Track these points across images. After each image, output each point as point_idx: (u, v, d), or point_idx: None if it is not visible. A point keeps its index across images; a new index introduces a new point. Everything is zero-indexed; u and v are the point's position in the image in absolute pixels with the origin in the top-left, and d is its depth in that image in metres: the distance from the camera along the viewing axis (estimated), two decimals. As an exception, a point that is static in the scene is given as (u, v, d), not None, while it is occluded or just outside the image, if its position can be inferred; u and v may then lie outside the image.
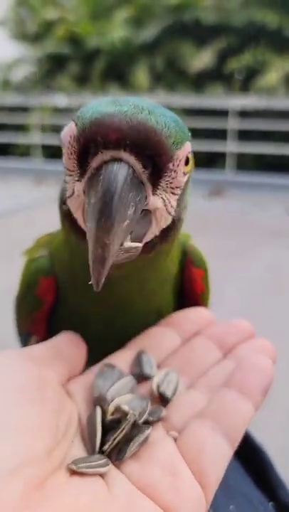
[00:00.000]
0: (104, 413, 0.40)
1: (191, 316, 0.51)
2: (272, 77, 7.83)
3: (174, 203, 0.40)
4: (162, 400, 0.43)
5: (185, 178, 0.40)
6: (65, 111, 9.32)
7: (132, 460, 0.36)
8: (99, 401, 0.41)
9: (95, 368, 0.45)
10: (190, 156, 0.40)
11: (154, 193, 0.37)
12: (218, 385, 0.42)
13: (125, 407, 0.38)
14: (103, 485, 0.34)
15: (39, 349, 0.44)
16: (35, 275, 0.49)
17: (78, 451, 0.37)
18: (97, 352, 0.47)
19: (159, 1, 8.89)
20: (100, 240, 0.33)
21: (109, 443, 0.36)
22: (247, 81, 8.23)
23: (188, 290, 0.54)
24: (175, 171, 0.38)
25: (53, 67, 9.79)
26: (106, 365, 0.45)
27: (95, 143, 0.34)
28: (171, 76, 8.85)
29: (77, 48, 9.42)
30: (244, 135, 7.77)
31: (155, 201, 0.37)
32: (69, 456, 0.36)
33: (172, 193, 0.39)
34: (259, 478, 0.59)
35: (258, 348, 0.45)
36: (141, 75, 8.70)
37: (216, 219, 5.12)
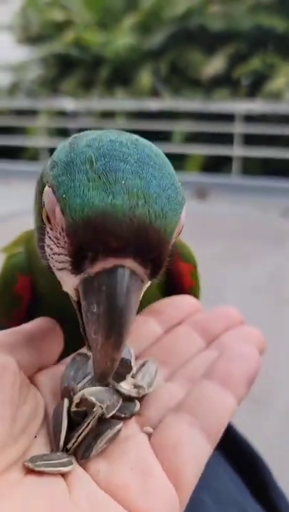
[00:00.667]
0: (71, 406, 0.37)
1: (175, 303, 0.48)
2: (280, 81, 7.83)
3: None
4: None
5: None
6: (72, 114, 9.38)
7: (100, 458, 0.33)
8: (67, 392, 0.37)
9: (68, 359, 0.42)
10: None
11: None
12: (199, 377, 0.39)
13: (91, 399, 0.35)
14: (63, 486, 0.31)
15: (4, 334, 0.41)
16: (13, 272, 0.48)
17: (41, 447, 0.34)
18: (76, 346, 0.44)
19: (165, 8, 8.93)
20: (109, 355, 0.32)
21: (74, 439, 0.33)
22: (254, 86, 8.24)
23: (177, 286, 0.52)
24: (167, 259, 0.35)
25: (59, 70, 9.85)
26: (79, 355, 0.41)
27: (92, 247, 0.31)
28: (178, 82, 8.88)
29: (84, 53, 9.47)
30: (250, 139, 7.76)
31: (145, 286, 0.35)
32: (29, 453, 0.33)
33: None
34: (255, 487, 0.57)
35: (244, 336, 0.42)
36: (145, 79, 8.74)
37: (219, 223, 5.11)
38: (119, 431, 0.34)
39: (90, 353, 0.39)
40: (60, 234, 0.33)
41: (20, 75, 10.26)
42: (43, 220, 0.36)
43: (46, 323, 0.44)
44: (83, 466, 0.33)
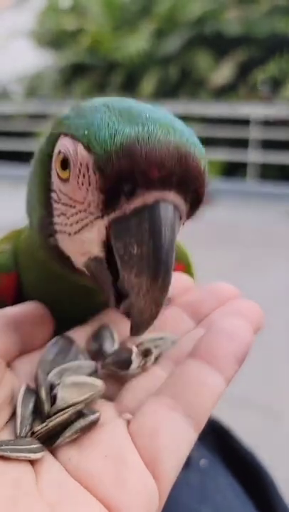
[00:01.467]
0: (44, 393, 0.34)
1: None
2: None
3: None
4: (116, 378, 0.37)
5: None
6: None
7: (72, 446, 0.31)
8: (41, 379, 0.35)
9: (50, 342, 0.39)
10: None
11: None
12: (183, 357, 0.35)
13: (68, 401, 0.33)
14: (30, 473, 0.29)
15: None
16: None
17: (11, 434, 0.32)
18: None
19: (181, 13, 8.96)
20: (155, 299, 0.29)
21: (43, 425, 0.31)
22: (271, 91, 8.20)
23: None
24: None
25: (74, 75, 9.95)
26: (62, 338, 0.39)
27: (130, 180, 0.28)
28: (191, 86, 8.89)
29: (99, 58, 9.54)
30: (267, 145, 7.71)
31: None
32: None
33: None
34: (259, 501, 0.55)
35: (236, 310, 0.38)
36: (149, 84, 8.76)
37: (237, 231, 5.06)
38: (93, 422, 0.31)
39: (74, 337, 0.39)
40: (83, 177, 0.30)
41: (35, 80, 10.40)
42: (47, 189, 0.34)
43: (34, 308, 0.41)
44: (54, 452, 0.31)
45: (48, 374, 0.36)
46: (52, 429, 0.31)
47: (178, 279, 0.44)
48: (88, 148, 0.29)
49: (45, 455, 0.30)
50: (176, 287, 0.42)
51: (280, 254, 4.39)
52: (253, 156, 7.72)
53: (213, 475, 0.54)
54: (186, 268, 0.49)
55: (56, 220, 0.34)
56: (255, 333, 0.35)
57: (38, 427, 0.31)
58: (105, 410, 0.33)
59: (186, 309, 0.42)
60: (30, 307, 0.42)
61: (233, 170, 7.93)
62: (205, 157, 0.31)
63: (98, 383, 0.34)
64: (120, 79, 9.31)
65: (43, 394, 0.34)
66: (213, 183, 6.95)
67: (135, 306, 0.30)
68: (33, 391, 0.35)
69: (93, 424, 0.31)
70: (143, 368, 0.37)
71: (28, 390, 0.35)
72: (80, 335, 0.41)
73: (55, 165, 0.33)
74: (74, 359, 0.38)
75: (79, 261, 0.34)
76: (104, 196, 0.29)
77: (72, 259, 0.35)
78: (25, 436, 0.31)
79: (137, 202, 0.29)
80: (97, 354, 0.39)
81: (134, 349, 0.38)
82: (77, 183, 0.31)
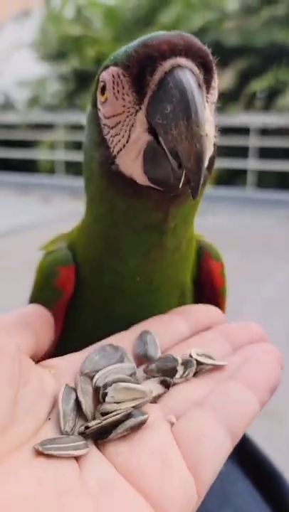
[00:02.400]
0: (96, 394, 0.36)
1: (202, 309, 0.48)
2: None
3: (213, 126, 0.39)
4: (163, 384, 0.39)
5: (216, 97, 0.41)
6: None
7: (121, 441, 0.32)
8: (88, 378, 0.37)
9: (91, 348, 0.41)
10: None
11: (206, 102, 0.38)
12: (222, 377, 0.39)
13: (123, 404, 0.34)
14: (74, 469, 0.30)
15: (2, 318, 0.42)
16: (54, 266, 0.48)
17: (54, 430, 0.33)
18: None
19: (182, 24, 9.06)
20: (196, 134, 0.33)
21: (98, 421, 0.33)
22: (268, 100, 8.27)
23: (206, 283, 0.52)
24: (214, 87, 0.39)
25: (77, 85, 10.02)
26: (110, 346, 0.40)
27: (149, 60, 0.34)
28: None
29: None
30: (265, 153, 7.79)
31: (207, 113, 0.37)
32: (41, 435, 0.32)
33: (211, 111, 0.40)
34: (276, 505, 0.56)
35: (266, 350, 0.42)
36: None
37: (237, 236, 5.11)
38: (142, 422, 0.33)
39: (118, 343, 0.40)
40: (117, 85, 0.37)
41: (39, 90, 10.45)
42: (99, 129, 0.40)
43: (39, 310, 0.45)
44: (102, 448, 0.32)
45: (93, 375, 0.37)
46: (105, 426, 0.32)
47: (213, 310, 0.48)
48: (116, 64, 0.37)
49: (91, 451, 0.32)
50: (212, 315, 0.47)
51: (279, 257, 4.46)
52: (252, 164, 7.81)
53: (232, 480, 0.56)
54: (223, 268, 0.53)
55: (111, 146, 0.39)
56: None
57: (93, 423, 0.33)
58: (151, 412, 0.35)
59: (222, 335, 0.45)
60: (36, 309, 0.45)
61: (232, 178, 8.00)
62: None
63: (148, 390, 0.35)
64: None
65: (90, 393, 0.36)
66: (214, 191, 7.03)
67: (183, 153, 0.33)
68: (72, 389, 0.36)
69: (142, 424, 0.33)
70: (186, 379, 0.39)
71: (68, 387, 0.36)
72: (124, 339, 0.42)
73: (98, 96, 0.39)
74: (118, 362, 0.38)
75: (139, 168, 0.37)
76: (135, 88, 0.36)
77: (135, 176, 0.38)
78: (70, 433, 0.33)
79: (158, 74, 0.34)
80: (141, 358, 0.41)
81: (180, 359, 0.40)
82: (114, 95, 0.37)
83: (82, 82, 9.84)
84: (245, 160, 7.77)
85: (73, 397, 0.35)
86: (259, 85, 8.09)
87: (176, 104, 0.33)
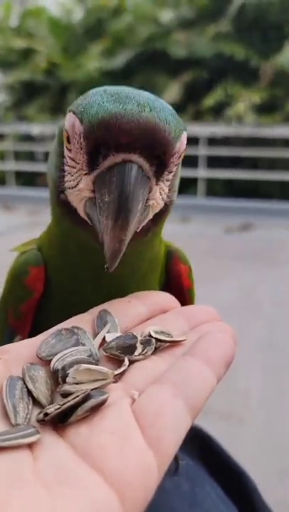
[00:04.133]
0: (55, 377, 0.36)
1: (159, 294, 0.49)
2: (240, 107, 8.14)
3: (167, 190, 0.43)
4: (123, 362, 0.39)
5: (178, 166, 0.43)
6: (39, 138, 9.42)
7: (81, 424, 0.32)
8: (40, 364, 0.37)
9: (48, 332, 0.41)
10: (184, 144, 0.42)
11: (156, 185, 0.40)
12: (179, 353, 0.40)
13: (83, 386, 0.34)
14: (28, 459, 0.29)
15: None
16: (25, 265, 0.50)
17: (4, 425, 0.32)
18: None
19: (129, 35, 9.19)
20: (117, 236, 0.36)
21: (57, 407, 0.32)
22: (217, 111, 8.53)
23: (176, 286, 0.55)
24: (173, 163, 0.41)
25: (25, 96, 9.92)
26: (66, 329, 0.40)
27: (105, 145, 0.37)
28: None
29: (52, 78, 9.59)
30: (214, 161, 8.00)
31: (156, 193, 0.41)
32: None
33: (166, 181, 0.43)
34: (243, 505, 0.57)
35: (221, 327, 0.44)
36: None
37: (188, 244, 5.21)
38: (102, 402, 0.33)
39: (77, 330, 0.40)
40: (77, 143, 0.39)
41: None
42: (62, 157, 0.43)
43: None
44: (63, 432, 0.32)
45: (50, 359, 0.37)
46: (64, 410, 0.32)
47: (168, 297, 0.49)
48: (81, 121, 0.38)
49: (48, 438, 0.31)
50: (168, 300, 0.49)
51: (226, 264, 4.58)
52: (202, 173, 8.00)
53: (201, 482, 0.56)
54: (190, 271, 0.56)
55: (66, 179, 0.43)
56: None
57: (52, 409, 0.32)
58: (112, 391, 0.35)
59: (180, 315, 0.46)
60: None
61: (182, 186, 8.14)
62: (180, 130, 0.39)
63: (109, 372, 0.36)
64: (75, 98, 9.31)
65: (41, 379, 0.35)
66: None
67: (105, 243, 0.37)
68: (18, 378, 0.35)
69: (102, 403, 0.33)
70: (145, 356, 0.40)
71: (13, 378, 0.35)
72: (83, 319, 0.43)
73: (64, 140, 0.42)
74: (75, 346, 0.38)
75: (80, 208, 0.42)
76: (89, 158, 0.39)
77: (77, 208, 0.42)
78: (23, 424, 0.32)
79: (109, 161, 0.37)
80: (100, 337, 0.41)
81: (139, 337, 0.41)
82: (75, 147, 0.40)
83: (30, 92, 9.76)
84: (195, 169, 7.93)
85: (20, 386, 0.34)
86: (208, 100, 8.31)
87: (112, 201, 0.36)
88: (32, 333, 0.48)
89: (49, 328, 0.47)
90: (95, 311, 0.44)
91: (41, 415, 0.32)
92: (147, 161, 0.37)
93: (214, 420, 2.14)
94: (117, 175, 0.37)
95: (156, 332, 0.41)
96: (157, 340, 0.41)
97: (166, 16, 9.16)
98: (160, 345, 0.41)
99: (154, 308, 0.46)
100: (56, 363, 0.36)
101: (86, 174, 0.40)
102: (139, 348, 0.40)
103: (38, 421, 0.32)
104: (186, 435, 0.60)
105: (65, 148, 0.42)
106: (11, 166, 9.32)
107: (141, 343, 0.40)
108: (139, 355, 0.39)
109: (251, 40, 8.68)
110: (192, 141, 7.75)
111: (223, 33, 8.66)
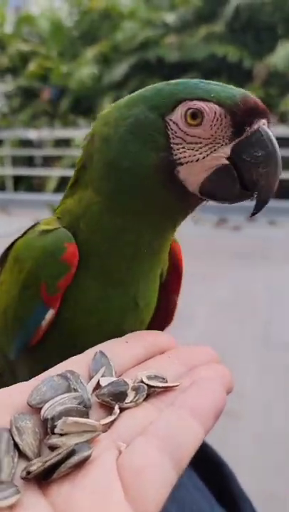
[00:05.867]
0: (44, 426, 0.35)
1: (156, 334, 0.50)
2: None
3: None
4: (107, 408, 0.39)
5: None
6: (36, 143, 9.47)
7: (63, 481, 0.32)
8: (28, 413, 0.36)
9: (39, 377, 0.41)
10: None
11: None
12: (171, 400, 0.39)
13: (66, 442, 0.34)
14: None
15: None
16: (60, 242, 0.51)
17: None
18: (117, 308, 0.53)
19: (125, 41, 9.24)
20: (277, 177, 0.47)
21: (39, 465, 0.32)
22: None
23: (174, 264, 0.61)
24: None
25: (23, 101, 9.98)
26: (58, 376, 0.40)
27: (252, 114, 0.46)
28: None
29: (48, 83, 9.66)
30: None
31: None
32: None
33: None
34: (221, 493, 0.57)
35: (217, 371, 0.43)
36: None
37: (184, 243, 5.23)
38: (86, 458, 0.33)
39: (70, 374, 0.40)
40: (216, 121, 0.47)
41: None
42: (162, 140, 0.48)
43: None
44: (46, 489, 0.32)
45: (40, 406, 0.36)
46: (48, 467, 0.31)
47: (166, 337, 0.50)
48: (219, 103, 0.47)
49: (29, 496, 0.30)
50: (166, 340, 0.49)
51: (222, 263, 4.62)
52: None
53: None
54: (180, 248, 0.62)
55: (178, 154, 0.48)
56: (227, 393, 0.40)
57: (34, 467, 0.31)
58: (99, 443, 0.34)
59: (177, 357, 0.46)
60: None
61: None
62: None
63: (97, 424, 0.35)
64: (70, 103, 9.45)
65: (29, 430, 0.35)
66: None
67: (264, 187, 0.47)
68: (5, 430, 0.34)
69: (86, 459, 0.32)
70: (136, 403, 0.39)
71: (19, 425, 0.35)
72: (78, 362, 0.43)
73: (182, 116, 0.48)
74: (66, 392, 0.38)
75: (197, 182, 0.48)
76: (233, 130, 0.47)
77: (189, 184, 0.48)
78: (8, 481, 0.31)
79: (256, 126, 0.46)
80: (94, 382, 0.41)
81: (130, 383, 0.40)
82: (210, 126, 0.47)
83: (27, 97, 9.81)
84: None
85: (6, 439, 0.33)
86: None
87: (269, 153, 0.46)
88: (60, 314, 0.52)
89: (75, 303, 0.52)
90: (91, 352, 0.44)
91: (24, 473, 0.31)
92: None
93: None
94: (265, 134, 0.46)
95: (149, 377, 0.41)
96: (149, 386, 0.40)
97: (162, 19, 9.23)
98: (153, 390, 0.40)
99: (152, 349, 0.46)
100: (46, 411, 0.36)
101: (224, 144, 0.47)
102: (131, 395, 0.39)
103: (22, 478, 0.32)
104: None
105: (180, 129, 0.48)
106: (8, 171, 9.39)
107: (133, 390, 0.40)
108: (130, 402, 0.39)
109: (244, 40, 8.76)
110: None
111: (216, 35, 8.72)
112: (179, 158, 0.48)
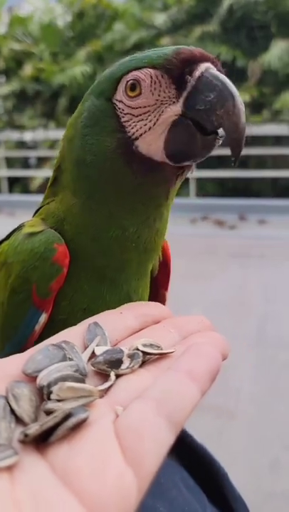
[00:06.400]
0: (40, 393, 0.35)
1: (151, 305, 0.50)
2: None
3: None
4: (110, 376, 0.39)
5: None
6: (31, 145, 9.45)
7: (61, 443, 0.32)
8: (25, 381, 0.36)
9: (34, 348, 0.41)
10: None
11: None
12: (167, 366, 0.40)
13: (63, 406, 0.34)
14: (5, 483, 0.29)
15: None
16: (50, 243, 0.50)
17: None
18: (110, 305, 0.49)
19: (118, 41, 9.24)
20: (241, 110, 0.43)
21: (37, 428, 0.32)
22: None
23: (163, 261, 0.60)
24: None
25: (18, 103, 9.96)
26: (53, 345, 0.40)
27: (189, 64, 0.44)
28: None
29: (43, 84, 9.64)
30: (204, 161, 8.01)
31: None
32: None
33: None
34: (212, 491, 0.57)
35: (211, 338, 0.43)
36: None
37: (180, 242, 5.24)
38: (83, 421, 0.33)
39: (65, 344, 0.40)
40: (155, 84, 0.46)
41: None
42: (114, 121, 0.48)
43: None
44: (44, 452, 0.32)
45: (36, 375, 0.36)
46: (45, 430, 0.31)
47: (161, 307, 0.50)
48: (152, 66, 0.46)
49: (27, 458, 0.31)
50: (161, 310, 0.49)
51: (218, 262, 4.62)
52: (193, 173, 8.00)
53: (167, 473, 0.55)
54: (168, 245, 0.61)
55: (132, 130, 0.47)
56: (223, 359, 0.40)
57: (31, 430, 0.31)
58: (96, 407, 0.34)
59: (171, 326, 0.46)
60: None
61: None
62: None
63: (94, 389, 0.35)
64: (66, 103, 9.40)
65: (25, 396, 0.35)
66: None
67: (230, 126, 0.44)
68: (0, 397, 0.34)
69: (83, 422, 0.32)
70: (132, 369, 0.39)
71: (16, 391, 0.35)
72: (73, 333, 0.43)
73: (124, 92, 0.47)
74: (62, 361, 0.38)
75: (159, 148, 0.46)
76: (175, 86, 0.45)
77: (153, 153, 0.47)
78: (6, 444, 0.31)
79: (198, 72, 0.44)
80: (89, 351, 0.41)
81: (126, 350, 0.40)
82: (150, 91, 0.46)
83: (22, 100, 9.77)
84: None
85: (2, 405, 0.34)
86: None
87: (220, 91, 0.43)
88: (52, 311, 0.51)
89: (69, 304, 0.51)
90: (85, 323, 0.44)
91: (22, 436, 0.32)
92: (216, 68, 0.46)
93: (207, 415, 2.19)
94: (211, 75, 0.44)
95: (144, 345, 0.41)
96: (145, 353, 0.40)
97: (156, 19, 9.23)
98: (148, 358, 0.40)
99: (146, 319, 0.46)
100: (42, 379, 0.36)
101: (172, 104, 0.46)
102: (126, 362, 0.39)
103: (19, 441, 0.32)
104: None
105: (124, 104, 0.47)
106: (3, 172, 9.36)
107: (128, 357, 0.40)
108: (126, 368, 0.39)
109: (238, 40, 8.77)
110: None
111: (210, 34, 8.72)
112: (134, 134, 0.47)
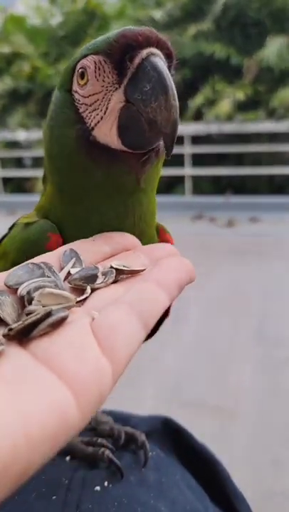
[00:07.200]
0: (21, 302, 0.38)
1: (122, 235, 0.51)
2: (225, 104, 8.21)
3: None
4: (80, 292, 0.42)
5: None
6: (25, 144, 9.43)
7: (42, 338, 0.34)
8: (8, 291, 0.39)
9: (15, 267, 0.43)
10: None
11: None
12: (138, 281, 0.43)
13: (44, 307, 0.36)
14: None
15: None
16: (43, 232, 0.52)
17: None
18: None
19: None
20: (173, 105, 0.42)
21: (20, 323, 0.34)
22: (201, 110, 8.58)
23: None
24: (173, 65, 0.47)
25: (8, 103, 9.94)
26: (33, 264, 0.43)
27: (130, 48, 0.42)
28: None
29: (35, 84, 9.62)
30: (199, 159, 8.04)
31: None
32: None
33: None
34: (214, 491, 0.57)
35: (177, 261, 0.46)
36: None
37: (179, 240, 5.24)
38: (63, 319, 0.35)
39: (44, 264, 0.43)
40: (98, 69, 0.44)
41: None
42: (73, 112, 0.47)
43: None
44: (25, 346, 0.34)
45: (16, 287, 0.39)
46: (27, 326, 0.34)
47: (131, 238, 0.51)
48: (96, 52, 0.44)
49: (11, 349, 0.33)
50: (131, 240, 0.51)
51: (216, 260, 4.61)
52: (189, 171, 8.03)
53: (169, 472, 0.57)
54: (172, 240, 0.60)
55: (88, 121, 0.46)
56: (190, 281, 0.44)
57: (15, 325, 0.34)
58: (74, 312, 0.37)
59: (141, 252, 0.48)
60: None
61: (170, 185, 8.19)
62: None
63: (72, 296, 0.38)
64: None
65: (8, 303, 0.37)
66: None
67: (162, 121, 0.42)
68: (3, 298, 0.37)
69: (63, 320, 0.35)
70: (106, 283, 0.42)
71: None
72: (50, 256, 0.45)
73: (75, 82, 0.46)
74: (41, 276, 0.41)
75: (114, 137, 0.45)
76: (116, 71, 0.43)
77: (110, 142, 0.45)
78: None
79: (137, 59, 0.42)
80: (65, 271, 0.43)
81: (100, 268, 0.44)
82: (95, 77, 0.44)
83: (13, 100, 9.76)
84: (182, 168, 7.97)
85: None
86: (201, 100, 8.36)
87: (155, 83, 0.41)
88: None
89: None
90: (61, 250, 0.46)
91: (6, 330, 0.34)
92: (163, 54, 0.44)
93: (207, 415, 2.19)
94: (149, 64, 0.42)
95: (117, 265, 0.44)
96: (117, 270, 0.43)
97: (149, 16, 9.21)
98: (121, 277, 0.44)
99: (117, 247, 0.49)
100: (23, 289, 0.38)
101: (116, 90, 0.44)
102: (101, 278, 0.43)
103: (4, 336, 0.34)
104: (158, 427, 0.58)
105: (78, 93, 0.47)
106: (-2, 173, 9.34)
107: (102, 274, 0.43)
108: (101, 283, 0.42)
109: (232, 37, 8.76)
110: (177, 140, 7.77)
111: (204, 32, 8.72)
112: (90, 124, 0.46)
